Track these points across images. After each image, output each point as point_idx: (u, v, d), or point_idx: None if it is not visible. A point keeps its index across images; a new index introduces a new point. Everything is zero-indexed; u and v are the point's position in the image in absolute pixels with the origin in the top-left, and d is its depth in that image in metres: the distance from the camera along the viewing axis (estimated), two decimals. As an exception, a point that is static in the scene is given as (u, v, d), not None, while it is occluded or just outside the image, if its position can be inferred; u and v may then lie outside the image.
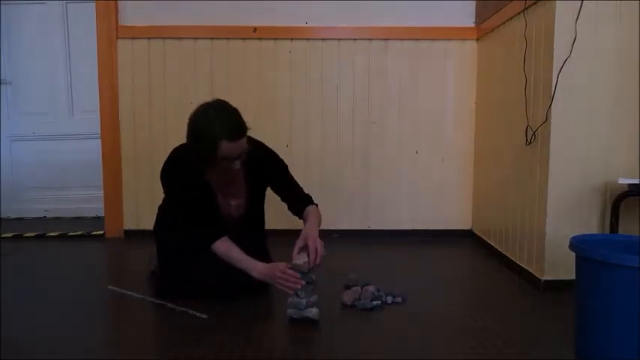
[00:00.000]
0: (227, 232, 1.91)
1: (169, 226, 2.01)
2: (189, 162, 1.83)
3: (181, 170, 1.90)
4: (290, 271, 1.71)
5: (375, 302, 1.85)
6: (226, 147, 1.72)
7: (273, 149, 2.08)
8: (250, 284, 1.89)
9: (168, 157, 1.96)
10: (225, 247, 1.87)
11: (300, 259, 1.70)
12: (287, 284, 1.71)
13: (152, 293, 1.97)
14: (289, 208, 2.06)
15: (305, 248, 1.76)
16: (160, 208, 2.09)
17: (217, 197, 1.96)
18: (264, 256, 1.99)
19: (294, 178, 2.08)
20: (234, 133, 1.73)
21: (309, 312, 1.68)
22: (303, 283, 1.69)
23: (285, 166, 2.07)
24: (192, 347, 1.50)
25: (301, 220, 2.01)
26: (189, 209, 1.90)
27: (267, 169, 2.03)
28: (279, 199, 2.07)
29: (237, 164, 1.80)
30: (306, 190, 2.08)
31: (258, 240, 2.12)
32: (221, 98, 1.84)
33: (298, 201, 2.04)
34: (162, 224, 2.06)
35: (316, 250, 1.74)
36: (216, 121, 1.72)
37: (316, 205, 2.05)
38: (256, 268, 1.83)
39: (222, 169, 1.81)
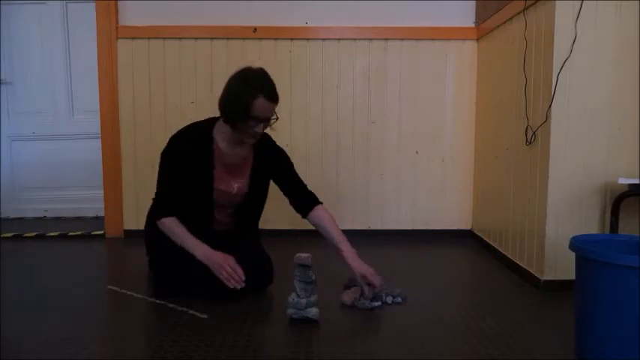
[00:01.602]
0: (197, 220, 1.92)
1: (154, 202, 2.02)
2: (202, 134, 1.91)
3: (189, 141, 1.92)
4: (239, 270, 1.79)
5: (375, 302, 1.85)
6: (262, 105, 1.80)
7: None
8: (249, 286, 1.89)
9: (181, 129, 1.97)
10: (173, 224, 1.89)
11: (349, 296, 1.79)
12: (229, 276, 1.77)
13: (152, 293, 1.97)
14: (291, 202, 2.05)
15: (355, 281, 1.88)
16: (151, 207, 2.09)
17: (217, 174, 1.94)
18: (253, 231, 2.05)
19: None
20: (272, 94, 1.83)
21: (309, 312, 1.68)
22: (243, 284, 1.76)
23: (291, 163, 2.09)
24: (193, 347, 1.50)
25: (305, 219, 2.02)
26: (167, 185, 1.93)
27: (273, 160, 2.05)
28: (282, 194, 2.07)
29: (261, 128, 1.86)
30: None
31: (250, 229, 2.12)
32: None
33: (302, 197, 2.04)
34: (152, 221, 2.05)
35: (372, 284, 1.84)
36: (258, 80, 1.83)
37: (321, 203, 2.05)
38: (201, 248, 1.85)
39: (246, 131, 1.85)
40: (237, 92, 1.82)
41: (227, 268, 1.79)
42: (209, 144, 1.93)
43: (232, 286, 1.78)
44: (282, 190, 2.07)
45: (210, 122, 1.98)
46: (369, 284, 1.84)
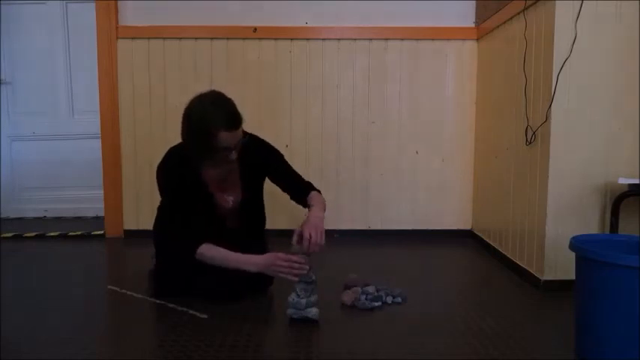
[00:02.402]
0: (211, 237, 1.83)
1: (163, 230, 1.98)
2: (186, 161, 1.84)
3: (177, 169, 1.87)
4: (293, 257, 1.69)
5: (375, 302, 1.85)
6: (225, 136, 1.72)
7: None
8: (249, 286, 1.89)
9: (164, 157, 1.93)
10: (210, 251, 1.81)
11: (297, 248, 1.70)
12: (292, 271, 1.68)
13: (152, 293, 1.97)
14: (292, 197, 2.03)
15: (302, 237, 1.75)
16: (159, 208, 2.08)
17: (215, 195, 1.93)
18: (262, 252, 1.94)
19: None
20: (232, 123, 1.74)
21: (309, 312, 1.68)
22: (307, 267, 1.67)
23: (281, 155, 2.05)
24: (193, 347, 1.50)
25: (306, 209, 2.00)
26: (177, 214, 1.87)
27: (262, 159, 2.00)
28: (280, 191, 2.05)
29: (234, 154, 1.80)
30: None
31: (256, 235, 2.08)
32: (214, 89, 1.83)
33: (300, 188, 2.01)
34: (160, 225, 2.05)
35: (310, 236, 1.72)
36: (214, 112, 1.73)
37: (319, 191, 2.02)
38: (252, 260, 1.78)
39: (219, 160, 1.81)
40: (197, 131, 1.74)
41: (286, 266, 1.70)
42: (194, 168, 1.88)
43: (299, 276, 1.68)
44: (279, 186, 2.05)
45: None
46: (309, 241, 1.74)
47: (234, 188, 1.98)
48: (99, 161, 3.04)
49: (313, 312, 1.69)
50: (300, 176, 2.05)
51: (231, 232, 1.95)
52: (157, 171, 1.92)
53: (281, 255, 1.73)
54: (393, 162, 3.03)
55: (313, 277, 1.70)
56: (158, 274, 2.03)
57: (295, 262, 1.69)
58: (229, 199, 1.97)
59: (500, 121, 2.57)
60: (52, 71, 3.55)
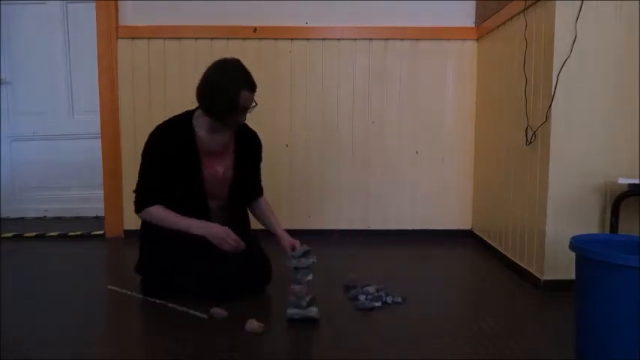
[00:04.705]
0: (189, 211, 1.93)
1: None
2: (179, 126, 1.95)
3: (170, 134, 1.95)
4: (236, 237, 1.86)
5: (375, 302, 1.85)
6: (246, 97, 1.87)
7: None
8: (241, 284, 1.90)
9: (154, 129, 1.99)
10: (157, 210, 1.92)
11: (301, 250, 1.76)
12: (227, 243, 1.85)
13: (140, 291, 1.97)
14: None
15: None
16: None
17: (204, 163, 1.97)
18: (245, 228, 2.10)
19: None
20: (253, 84, 1.89)
21: (310, 311, 1.69)
22: (243, 246, 1.84)
23: (261, 158, 2.19)
24: (192, 347, 1.50)
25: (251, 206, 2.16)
26: (149, 179, 1.96)
27: (252, 150, 2.13)
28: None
29: (245, 117, 1.94)
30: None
31: (241, 217, 2.15)
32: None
33: (256, 188, 2.18)
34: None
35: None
36: (237, 74, 1.87)
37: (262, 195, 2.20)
38: (196, 223, 1.89)
39: (231, 122, 1.92)
40: (221, 88, 1.85)
41: (229, 241, 1.86)
42: (191, 133, 1.95)
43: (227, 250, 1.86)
44: None
45: (188, 114, 2.01)
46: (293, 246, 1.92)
47: (226, 161, 2.03)
48: (99, 161, 3.04)
49: (314, 311, 1.69)
50: (260, 179, 2.20)
51: (215, 208, 2.01)
52: (146, 143, 1.98)
53: (233, 236, 1.87)
54: (393, 162, 3.03)
55: (312, 260, 1.73)
56: (143, 272, 2.03)
57: (235, 241, 1.86)
58: (219, 169, 2.00)
59: (500, 121, 2.57)
60: (52, 71, 3.55)
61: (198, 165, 1.95)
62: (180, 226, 1.89)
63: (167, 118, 2.03)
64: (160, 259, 1.94)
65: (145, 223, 2.00)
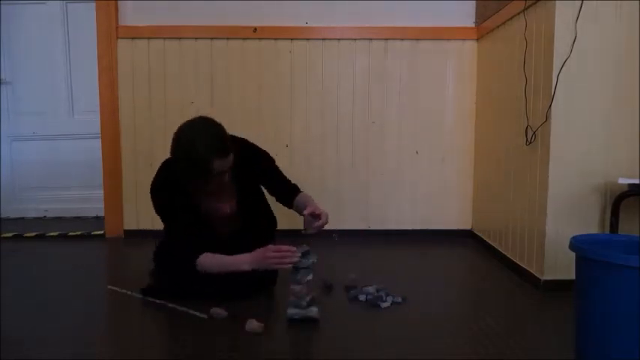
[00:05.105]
0: (209, 246, 1.87)
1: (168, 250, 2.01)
2: (175, 182, 1.86)
3: (166, 191, 1.90)
4: (282, 246, 1.73)
5: (381, 302, 1.85)
6: (217, 164, 1.74)
7: (273, 149, 2.08)
8: (252, 285, 1.89)
9: (155, 175, 1.95)
10: (207, 259, 1.84)
11: (301, 250, 1.73)
12: (283, 260, 1.71)
13: (148, 288, 1.97)
14: (277, 199, 2.08)
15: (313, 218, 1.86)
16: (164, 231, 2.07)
17: (210, 207, 1.94)
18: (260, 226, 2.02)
19: (287, 176, 2.10)
20: (223, 150, 1.75)
21: (310, 311, 1.68)
22: (299, 255, 1.70)
23: (270, 158, 2.08)
24: (192, 347, 1.50)
25: (292, 210, 2.05)
26: (174, 232, 1.94)
27: (254, 166, 2.03)
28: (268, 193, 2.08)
29: (227, 176, 1.83)
30: (305, 190, 2.08)
31: (265, 236, 2.07)
32: (203, 115, 1.84)
33: (286, 190, 2.07)
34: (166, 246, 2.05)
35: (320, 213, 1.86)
36: (204, 141, 1.72)
37: (301, 191, 2.08)
38: (244, 259, 1.81)
39: (213, 182, 1.82)
40: (189, 160, 1.74)
41: (277, 256, 1.74)
42: (184, 189, 1.89)
43: (290, 264, 1.71)
44: (266, 189, 2.09)
45: None
46: (317, 218, 1.86)
47: (230, 195, 1.99)
48: (99, 161, 3.04)
49: (314, 311, 1.69)
50: (288, 179, 2.09)
51: (234, 236, 1.96)
52: (150, 191, 1.95)
53: (270, 247, 1.76)
54: (393, 162, 3.03)
55: (312, 260, 1.71)
56: (156, 276, 2.03)
57: (286, 251, 1.72)
58: (227, 207, 1.98)
59: (500, 121, 2.57)
60: (52, 71, 3.55)
61: (202, 211, 1.93)
62: (230, 269, 1.82)
63: (162, 164, 1.96)
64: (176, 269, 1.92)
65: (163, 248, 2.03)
